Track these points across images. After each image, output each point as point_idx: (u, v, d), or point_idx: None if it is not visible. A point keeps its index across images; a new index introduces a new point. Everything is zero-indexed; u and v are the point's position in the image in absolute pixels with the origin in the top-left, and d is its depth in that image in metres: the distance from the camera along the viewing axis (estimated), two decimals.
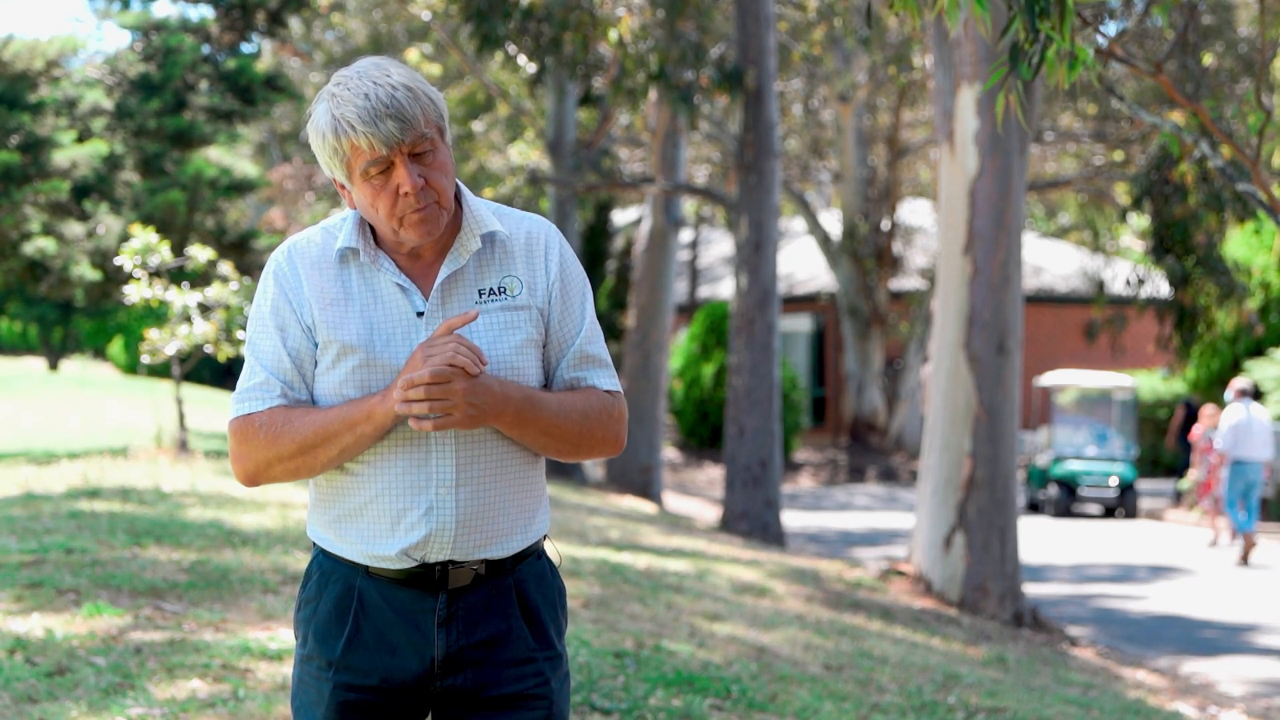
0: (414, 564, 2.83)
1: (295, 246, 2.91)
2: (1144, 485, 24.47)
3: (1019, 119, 7.08)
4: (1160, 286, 17.99)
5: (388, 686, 2.84)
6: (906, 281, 31.69)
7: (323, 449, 2.77)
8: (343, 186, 2.87)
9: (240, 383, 2.87)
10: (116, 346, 44.94)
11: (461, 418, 2.72)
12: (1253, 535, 16.49)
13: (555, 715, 2.90)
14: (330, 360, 2.83)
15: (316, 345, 2.84)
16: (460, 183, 2.92)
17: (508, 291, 2.87)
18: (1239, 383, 17.61)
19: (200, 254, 14.52)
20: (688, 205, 32.99)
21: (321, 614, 2.88)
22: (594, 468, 22.67)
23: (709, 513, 20.33)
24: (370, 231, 2.88)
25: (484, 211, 2.90)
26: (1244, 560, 16.45)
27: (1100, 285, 22.01)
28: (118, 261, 14.58)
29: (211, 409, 23.39)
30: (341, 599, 2.87)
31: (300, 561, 8.07)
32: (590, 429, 2.87)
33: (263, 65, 29.92)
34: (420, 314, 2.82)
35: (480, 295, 2.85)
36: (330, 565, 2.90)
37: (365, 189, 2.79)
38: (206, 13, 29.26)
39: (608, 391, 2.92)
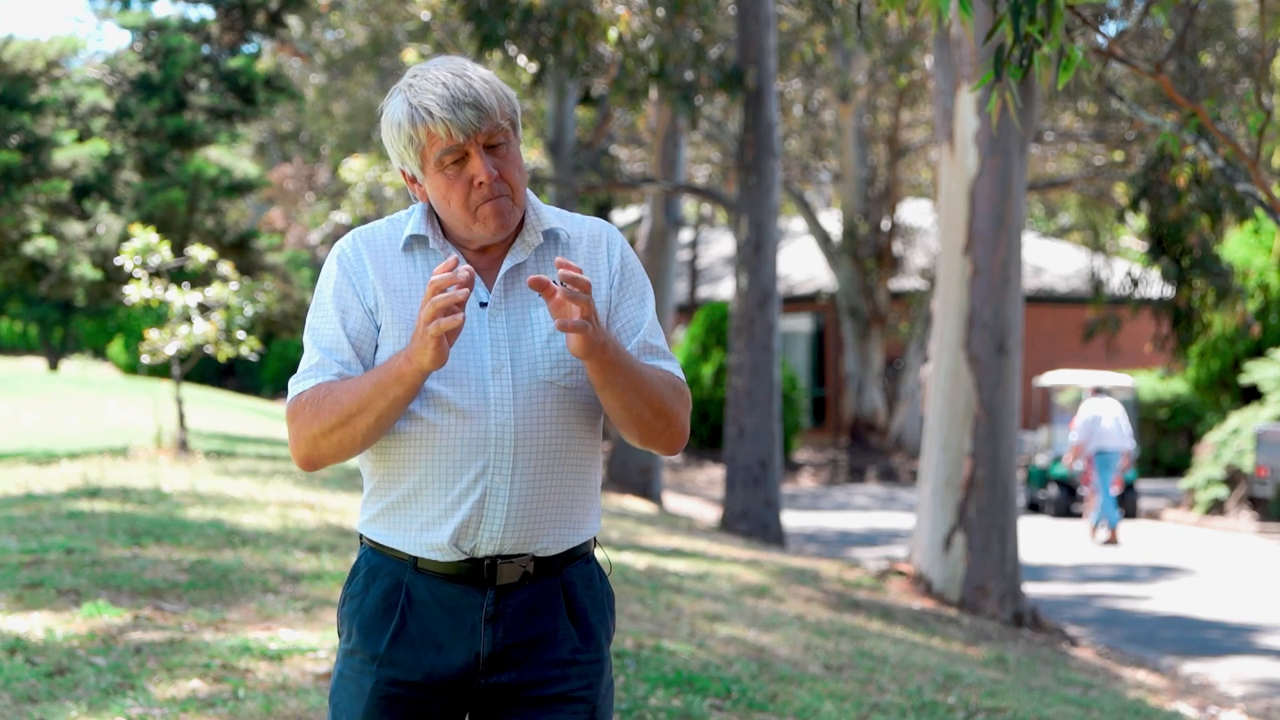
0: (463, 557, 2.82)
1: (360, 234, 2.92)
2: (1144, 485, 24.46)
3: (1014, 119, 7.09)
4: (1157, 287, 18.00)
5: (431, 682, 2.83)
6: (906, 281, 31.69)
7: (360, 417, 2.74)
8: (413, 180, 2.88)
9: (300, 365, 2.87)
10: (116, 346, 44.94)
11: (592, 329, 2.68)
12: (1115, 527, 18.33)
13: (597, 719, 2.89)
14: (391, 346, 2.83)
15: (379, 328, 2.85)
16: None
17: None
18: (1093, 381, 19.55)
19: (200, 254, 14.52)
20: (688, 205, 33.00)
21: (368, 608, 2.87)
22: None
23: (709, 513, 20.33)
24: (439, 224, 2.89)
25: (546, 211, 2.93)
26: (1094, 535, 18.34)
27: (1098, 285, 22.02)
28: (118, 261, 14.57)
29: (212, 409, 23.39)
30: (389, 594, 2.86)
31: (300, 561, 8.07)
32: (668, 401, 2.86)
33: (263, 65, 29.93)
34: (484, 304, 2.83)
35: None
36: (379, 561, 2.89)
37: (439, 180, 2.81)
38: (206, 13, 29.27)
39: (678, 378, 2.93)
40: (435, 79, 2.78)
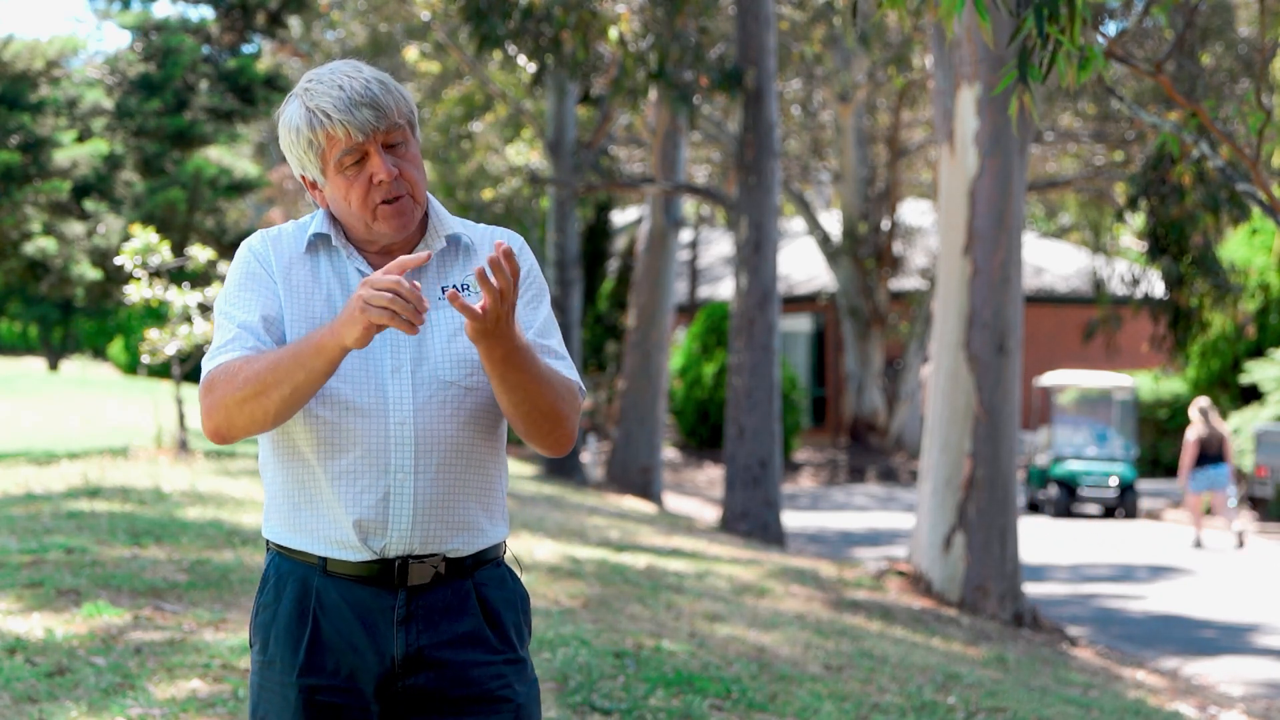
0: (373, 556, 2.82)
1: (267, 233, 2.95)
2: (1144, 485, 24.47)
3: (1032, 118, 7.08)
4: (1156, 286, 18.01)
5: (352, 686, 2.83)
6: (906, 281, 31.69)
7: (275, 389, 2.72)
8: (313, 186, 2.91)
9: (211, 346, 2.87)
10: (116, 346, 44.91)
11: (509, 305, 2.67)
12: None
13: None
14: (292, 338, 2.84)
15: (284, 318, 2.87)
16: (428, 193, 2.97)
17: (470, 288, 2.90)
18: None
19: (200, 254, 14.52)
20: (688, 205, 32.99)
21: (282, 617, 2.87)
22: (594, 468, 22.66)
23: (709, 513, 20.33)
24: (340, 227, 2.93)
25: (449, 217, 2.97)
26: None
27: (1099, 285, 22.02)
28: (118, 261, 14.57)
29: None
30: (300, 600, 2.86)
31: None
32: (560, 401, 2.86)
33: (263, 65, 29.93)
34: None
35: (443, 291, 2.89)
36: (288, 567, 2.89)
37: (339, 181, 2.84)
38: (206, 13, 29.27)
39: (574, 381, 2.93)
40: (331, 82, 2.81)
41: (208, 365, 2.83)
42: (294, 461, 2.87)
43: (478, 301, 2.85)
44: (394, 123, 2.82)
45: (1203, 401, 19.00)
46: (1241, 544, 18.04)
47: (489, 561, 2.93)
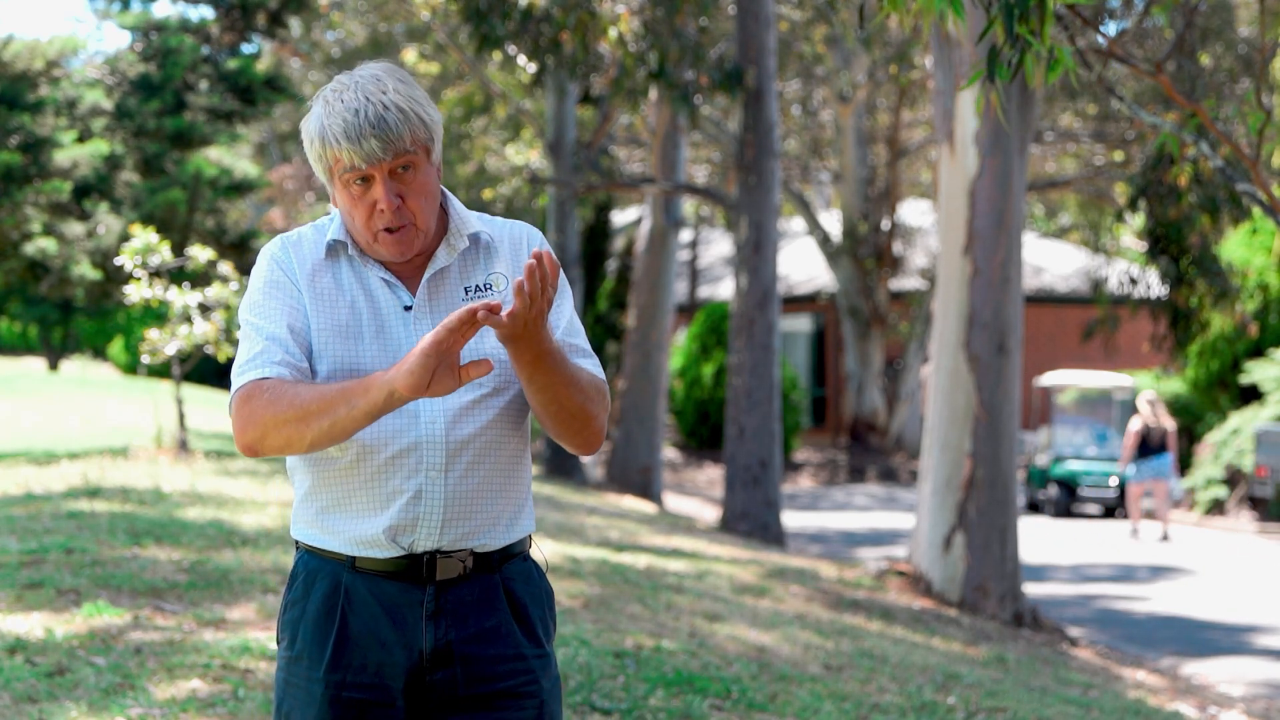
0: (401, 552, 2.84)
1: (288, 239, 2.97)
2: None
3: (1001, 120, 7.10)
4: (1155, 287, 18.02)
5: (379, 682, 2.85)
6: (906, 281, 31.69)
7: (316, 418, 2.73)
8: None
9: (240, 356, 2.87)
10: (116, 346, 44.90)
11: (538, 311, 2.68)
12: None
13: (546, 716, 2.91)
14: (320, 348, 2.86)
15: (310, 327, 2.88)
16: (447, 190, 2.97)
17: (493, 288, 2.92)
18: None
19: (200, 254, 14.50)
20: (688, 205, 32.99)
21: (310, 613, 2.89)
22: (594, 467, 22.66)
23: (709, 513, 20.33)
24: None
25: (470, 215, 2.97)
26: None
27: (1096, 285, 22.01)
28: (118, 261, 14.56)
29: (211, 409, 23.37)
30: (329, 596, 2.88)
31: None
32: (589, 402, 2.88)
33: (263, 65, 29.93)
34: (408, 308, 2.87)
35: (466, 292, 2.91)
36: (316, 564, 2.91)
37: (344, 196, 2.86)
38: (206, 13, 29.27)
39: (600, 379, 2.95)
40: (349, 101, 2.79)
41: (240, 377, 2.84)
42: (323, 466, 2.89)
43: (505, 287, 2.89)
44: (403, 150, 2.79)
45: (1150, 394, 19.53)
46: (1166, 537, 18.53)
47: (516, 556, 2.96)
